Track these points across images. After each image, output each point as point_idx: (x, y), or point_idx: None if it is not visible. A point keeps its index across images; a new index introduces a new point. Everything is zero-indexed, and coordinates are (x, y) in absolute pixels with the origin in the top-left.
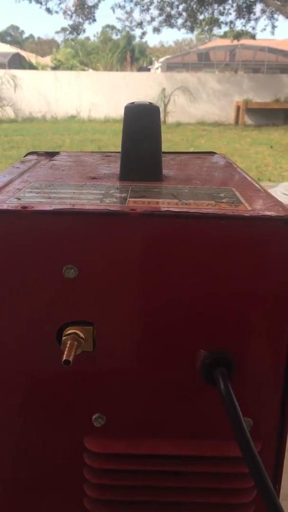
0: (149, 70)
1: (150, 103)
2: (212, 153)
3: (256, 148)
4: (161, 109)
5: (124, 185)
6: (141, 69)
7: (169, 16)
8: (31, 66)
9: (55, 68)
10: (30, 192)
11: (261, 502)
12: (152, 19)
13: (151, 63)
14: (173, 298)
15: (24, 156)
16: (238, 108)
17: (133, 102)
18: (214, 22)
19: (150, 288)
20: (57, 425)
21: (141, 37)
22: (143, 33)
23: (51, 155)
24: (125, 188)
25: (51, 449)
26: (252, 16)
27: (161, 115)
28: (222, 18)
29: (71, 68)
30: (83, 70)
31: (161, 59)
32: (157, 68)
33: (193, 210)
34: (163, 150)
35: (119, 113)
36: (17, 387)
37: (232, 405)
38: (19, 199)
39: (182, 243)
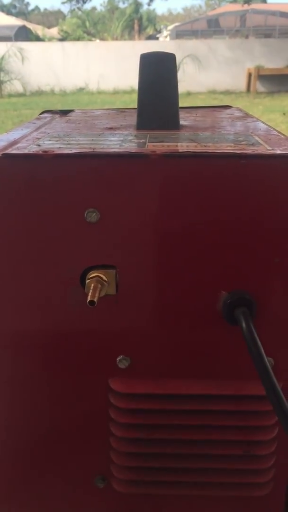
0: (157, 38)
1: None
2: (228, 106)
3: (269, 116)
4: None
5: (142, 133)
6: (149, 37)
7: None
8: (38, 38)
9: (62, 39)
10: (50, 140)
11: (285, 438)
12: None
13: (159, 31)
14: (194, 239)
15: (39, 115)
16: (249, 75)
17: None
18: None
19: (171, 229)
20: (83, 367)
21: (148, 4)
22: (151, 0)
23: (64, 112)
24: (143, 135)
25: (78, 390)
26: None
27: None
28: None
29: (78, 39)
30: (90, 40)
31: (170, 27)
32: (166, 36)
33: (213, 150)
34: None
35: (128, 84)
36: (43, 331)
37: (255, 343)
38: (39, 145)
39: (203, 183)
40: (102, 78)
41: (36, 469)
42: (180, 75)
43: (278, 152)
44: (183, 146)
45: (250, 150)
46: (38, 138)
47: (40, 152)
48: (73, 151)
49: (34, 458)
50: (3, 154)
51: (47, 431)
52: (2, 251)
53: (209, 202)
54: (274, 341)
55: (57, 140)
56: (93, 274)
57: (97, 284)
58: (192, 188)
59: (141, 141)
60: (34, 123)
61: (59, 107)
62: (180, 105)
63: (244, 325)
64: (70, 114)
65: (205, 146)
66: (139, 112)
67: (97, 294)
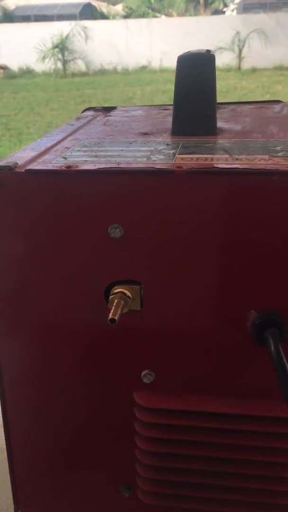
0: (224, 13)
1: (208, 50)
2: (277, 101)
3: None
4: (236, 55)
5: (175, 141)
6: (216, 12)
7: None
8: (103, 16)
9: (126, 16)
10: (78, 150)
11: None
12: None
13: (226, 5)
14: (222, 257)
15: (82, 112)
16: None
17: (189, 51)
18: None
19: (197, 247)
20: (109, 379)
21: None
22: None
23: (108, 110)
24: (175, 144)
25: (104, 403)
26: None
27: (236, 61)
28: None
29: (143, 15)
30: (155, 17)
31: (237, 0)
32: (233, 10)
33: (242, 166)
34: (237, 99)
35: None
36: (69, 344)
37: (282, 366)
38: (65, 158)
39: (230, 201)
40: (165, 55)
41: (63, 475)
42: (245, 51)
43: None
44: (213, 160)
45: (283, 166)
46: (68, 148)
47: (63, 168)
48: (97, 166)
49: (62, 463)
50: (26, 170)
51: (76, 439)
52: (26, 266)
53: (238, 220)
54: None
55: (85, 151)
56: (117, 289)
57: (120, 300)
58: (219, 206)
59: (171, 151)
60: (72, 125)
61: (122, 85)
62: (244, 81)
63: (272, 347)
64: (111, 113)
65: (236, 159)
66: (174, 117)
67: (118, 312)
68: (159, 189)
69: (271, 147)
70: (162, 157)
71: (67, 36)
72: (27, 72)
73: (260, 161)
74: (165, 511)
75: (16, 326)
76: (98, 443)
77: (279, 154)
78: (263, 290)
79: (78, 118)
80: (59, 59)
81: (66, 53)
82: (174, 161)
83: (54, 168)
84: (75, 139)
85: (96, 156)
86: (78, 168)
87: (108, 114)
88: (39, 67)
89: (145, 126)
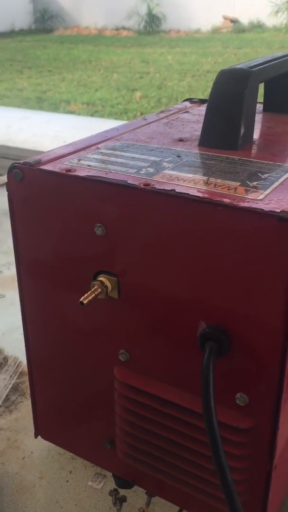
0: None
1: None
2: None
3: None
4: None
5: (192, 153)
6: None
7: None
8: None
9: None
10: (101, 153)
11: (256, 462)
12: None
13: None
14: (177, 267)
15: (182, 102)
16: None
17: (232, 66)
18: None
19: (159, 254)
20: (95, 354)
21: None
22: None
23: (203, 102)
24: (187, 156)
25: (96, 368)
26: None
27: None
28: None
29: None
30: None
31: None
32: None
33: (193, 192)
34: None
35: None
36: (65, 322)
37: (207, 377)
38: (79, 160)
39: (177, 221)
40: None
41: (67, 415)
42: None
43: (251, 205)
44: (185, 181)
45: (230, 197)
46: (98, 149)
47: (63, 171)
48: (90, 173)
49: (67, 405)
50: (37, 168)
51: (77, 389)
52: (38, 241)
53: (184, 241)
54: (249, 378)
55: (103, 155)
56: (100, 277)
57: (98, 287)
58: (172, 223)
59: (168, 165)
60: (146, 119)
61: None
62: None
63: (205, 359)
64: (193, 107)
65: (205, 184)
66: (202, 129)
67: (90, 297)
68: (127, 200)
69: (261, 172)
70: (151, 171)
71: None
72: (257, 27)
73: (223, 189)
74: (134, 471)
75: (34, 289)
76: (92, 397)
77: (253, 183)
78: (213, 305)
79: (161, 112)
80: None
81: None
82: (153, 177)
83: (55, 170)
84: (119, 139)
85: (103, 162)
86: (70, 173)
87: (187, 110)
88: (271, 21)
89: (189, 131)
